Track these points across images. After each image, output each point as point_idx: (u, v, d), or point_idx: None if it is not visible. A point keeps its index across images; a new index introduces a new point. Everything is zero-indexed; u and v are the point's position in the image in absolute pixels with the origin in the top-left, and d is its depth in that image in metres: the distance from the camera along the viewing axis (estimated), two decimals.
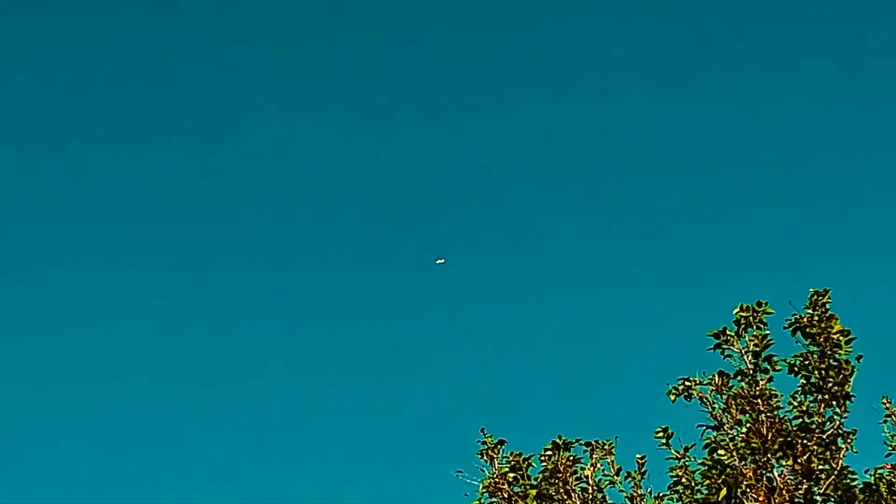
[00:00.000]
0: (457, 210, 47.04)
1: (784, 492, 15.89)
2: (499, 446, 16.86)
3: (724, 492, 16.07)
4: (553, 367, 41.64)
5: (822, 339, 16.25)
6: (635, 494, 16.55)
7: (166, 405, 44.09)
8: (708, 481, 16.27)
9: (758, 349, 16.35)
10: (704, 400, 16.44)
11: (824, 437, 16.13)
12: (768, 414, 16.16)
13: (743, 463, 16.07)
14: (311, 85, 49.70)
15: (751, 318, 16.41)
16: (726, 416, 16.35)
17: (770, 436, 16.04)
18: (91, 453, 43.02)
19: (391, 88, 49.24)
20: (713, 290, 39.85)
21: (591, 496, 16.54)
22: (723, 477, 16.12)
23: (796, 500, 15.97)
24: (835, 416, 16.20)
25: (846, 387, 16.18)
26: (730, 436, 16.25)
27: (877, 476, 16.21)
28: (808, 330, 16.26)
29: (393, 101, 49.13)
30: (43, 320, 47.18)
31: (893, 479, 16.17)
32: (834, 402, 16.20)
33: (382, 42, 49.74)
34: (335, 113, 49.29)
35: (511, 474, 16.69)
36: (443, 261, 30.88)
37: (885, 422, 16.30)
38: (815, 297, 16.34)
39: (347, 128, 48.78)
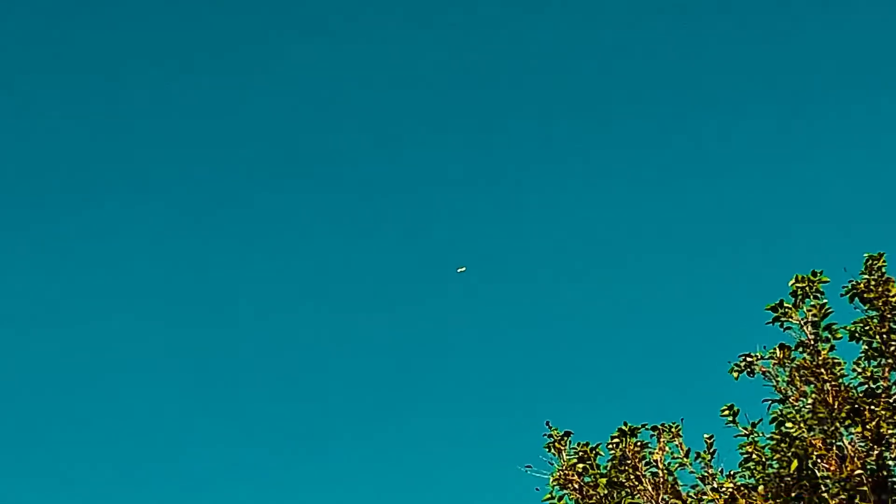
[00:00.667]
0: (513, 194, 47.14)
1: (855, 459, 15.76)
2: (565, 438, 16.84)
3: (794, 464, 15.98)
4: (612, 354, 41.61)
5: (880, 304, 16.16)
6: (706, 475, 16.47)
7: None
8: (778, 455, 16.19)
9: (817, 319, 16.27)
10: (768, 374, 16.37)
11: (891, 401, 16.01)
12: (833, 383, 16.06)
13: (812, 434, 15.97)
14: None
15: (807, 288, 16.34)
16: (791, 389, 16.26)
17: (836, 404, 15.94)
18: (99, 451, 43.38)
19: None
20: (767, 264, 39.70)
21: (661, 480, 16.48)
22: (792, 449, 16.03)
23: (868, 466, 15.84)
24: None
25: None
26: (796, 408, 16.16)
27: None
28: (865, 295, 16.18)
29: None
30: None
31: None
32: None
33: None
34: None
35: (580, 465, 16.67)
36: (464, 269, 30.87)
37: None
38: (871, 261, 16.26)
39: None
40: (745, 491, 16.21)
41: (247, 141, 49.19)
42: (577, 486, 16.66)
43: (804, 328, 16.30)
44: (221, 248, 48.52)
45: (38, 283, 48.36)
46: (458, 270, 30.55)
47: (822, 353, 16.18)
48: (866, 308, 16.20)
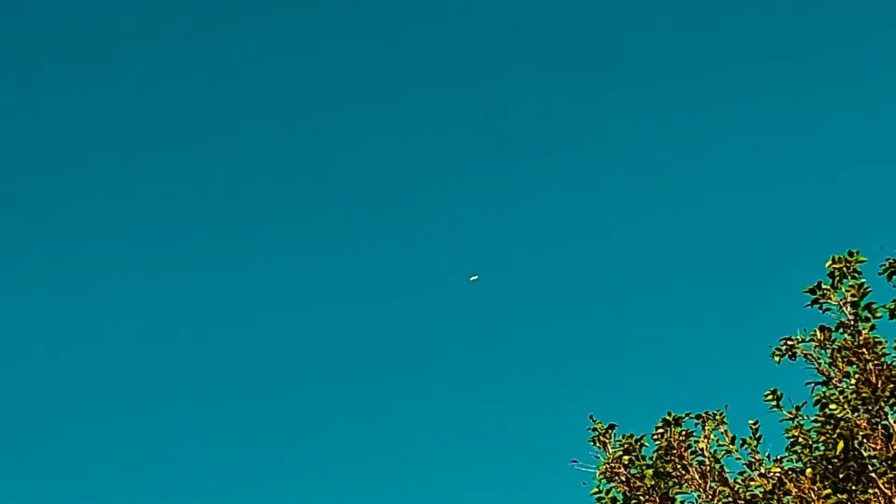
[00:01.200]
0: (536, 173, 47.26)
1: None
2: (610, 431, 16.83)
3: (840, 445, 15.93)
4: (652, 345, 41.60)
5: None
6: (753, 460, 16.43)
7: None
8: (823, 437, 16.14)
9: (856, 299, 16.22)
10: (809, 357, 16.33)
11: None
12: (875, 362, 16.01)
13: (856, 414, 15.92)
14: None
15: (844, 268, 16.30)
16: (833, 370, 16.21)
17: (880, 384, 15.89)
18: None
19: None
20: (803, 246, 39.61)
21: (708, 468, 16.46)
22: (838, 431, 15.99)
23: None
24: None
25: None
26: (839, 389, 16.11)
27: None
28: None
29: None
30: None
31: None
32: None
33: None
34: None
35: (626, 457, 16.65)
36: (476, 278, 30.89)
37: None
38: None
39: None
40: (793, 475, 16.16)
41: (247, 141, 49.40)
42: (623, 478, 16.65)
43: (843, 309, 16.25)
44: (221, 247, 48.72)
45: (38, 282, 48.62)
46: (471, 279, 30.56)
47: (863, 332, 16.14)
48: None
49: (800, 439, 16.31)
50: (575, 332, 43.44)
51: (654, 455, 16.67)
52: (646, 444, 16.77)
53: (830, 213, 42.68)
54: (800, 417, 16.36)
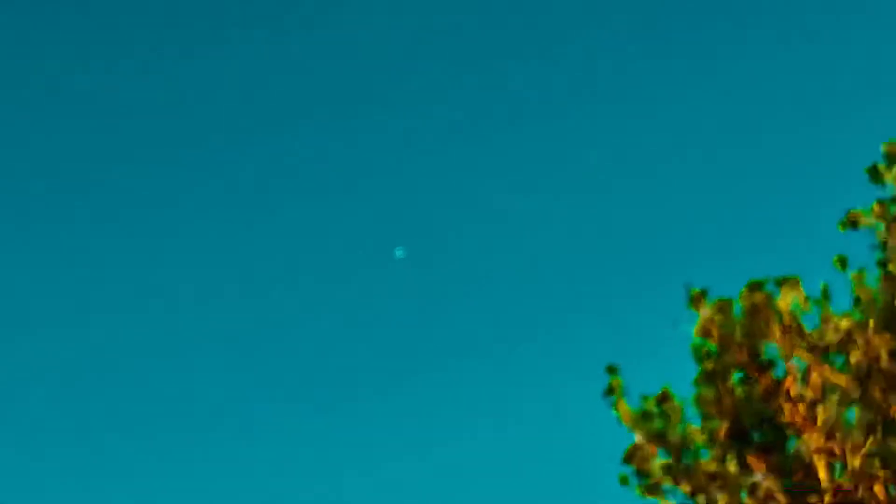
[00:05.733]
0: None
1: None
2: (703, 295, 19.49)
3: None
4: (738, 216, 44.99)
5: None
6: (826, 316, 19.31)
7: None
8: (884, 293, 19.15)
9: None
10: (870, 227, 19.32)
11: None
12: None
13: None
14: None
15: None
16: (891, 238, 19.24)
17: None
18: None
19: None
20: (859, 130, 42.82)
21: (787, 324, 19.27)
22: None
23: None
24: None
25: None
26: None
27: None
28: None
29: None
30: None
31: None
32: None
33: None
34: None
35: (718, 316, 19.34)
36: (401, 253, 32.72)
37: None
38: None
39: None
40: (859, 328, 19.11)
41: (245, 140, 50.02)
42: (715, 334, 19.34)
43: None
44: (220, 245, 49.30)
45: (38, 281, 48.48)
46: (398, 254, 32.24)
47: None
48: None
49: (863, 297, 19.26)
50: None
51: (743, 315, 19.40)
52: (733, 305, 19.49)
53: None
54: (863, 278, 19.33)
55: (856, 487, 18.90)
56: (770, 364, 19.17)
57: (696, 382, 19.28)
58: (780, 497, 18.98)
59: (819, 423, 18.99)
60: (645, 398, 19.37)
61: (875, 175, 19.39)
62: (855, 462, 18.92)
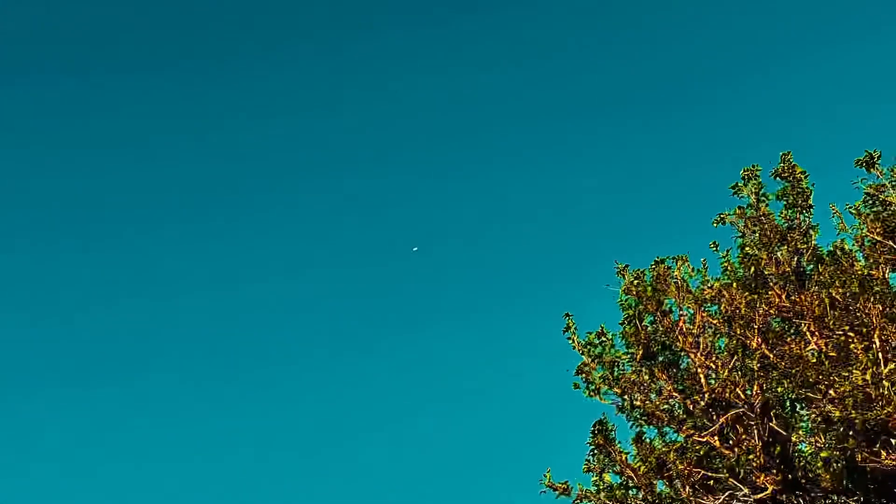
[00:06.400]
0: None
1: None
2: (626, 268, 30.32)
3: (752, 269, 29.67)
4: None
5: None
6: (705, 279, 30.08)
7: None
8: (741, 265, 29.92)
9: (756, 189, 30.18)
10: (733, 223, 30.15)
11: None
12: (768, 224, 29.91)
13: (762, 251, 29.75)
14: None
15: (749, 174, 30.28)
16: (747, 229, 30.05)
17: (772, 235, 29.78)
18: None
19: None
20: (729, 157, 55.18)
21: (680, 285, 30.05)
22: (750, 260, 29.78)
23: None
24: None
25: None
26: (751, 239, 29.93)
27: None
28: None
29: None
30: None
31: None
32: None
33: None
34: None
35: (635, 281, 30.16)
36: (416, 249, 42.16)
37: None
38: None
39: None
40: (726, 288, 29.86)
41: (245, 140, 58.23)
42: (634, 292, 30.16)
43: (750, 195, 30.23)
44: (220, 245, 57.12)
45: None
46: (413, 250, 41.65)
47: (762, 208, 30.11)
48: None
49: (728, 269, 30.05)
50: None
51: (651, 280, 30.20)
52: (646, 274, 30.31)
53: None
54: (728, 256, 30.11)
55: (723, 389, 29.48)
56: (669, 311, 29.92)
57: (622, 323, 30.08)
58: (677, 395, 29.57)
59: (701, 348, 29.67)
60: (589, 333, 30.11)
61: (737, 189, 30.32)
62: (724, 373, 29.54)
